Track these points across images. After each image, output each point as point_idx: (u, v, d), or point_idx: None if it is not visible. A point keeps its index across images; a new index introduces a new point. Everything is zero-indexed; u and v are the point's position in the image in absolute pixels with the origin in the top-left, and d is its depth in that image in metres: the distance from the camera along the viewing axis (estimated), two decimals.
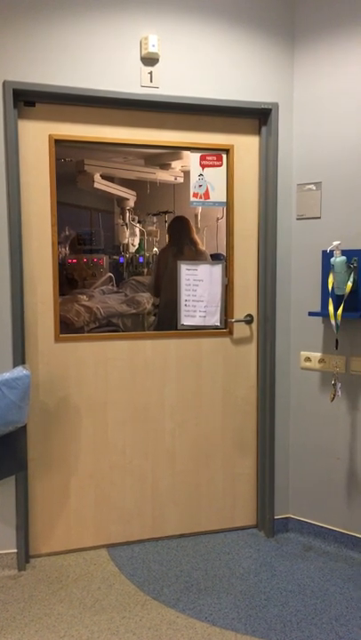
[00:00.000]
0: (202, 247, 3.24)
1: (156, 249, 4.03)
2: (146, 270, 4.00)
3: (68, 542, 2.67)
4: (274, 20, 2.63)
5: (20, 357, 2.44)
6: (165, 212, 3.83)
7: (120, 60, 2.46)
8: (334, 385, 2.51)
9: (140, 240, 4.11)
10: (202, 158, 2.69)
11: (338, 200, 2.59)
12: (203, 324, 2.75)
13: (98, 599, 2.31)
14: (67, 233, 3.93)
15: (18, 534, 2.52)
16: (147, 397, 2.71)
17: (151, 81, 2.50)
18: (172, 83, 2.53)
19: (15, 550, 2.53)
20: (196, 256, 3.19)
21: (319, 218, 2.65)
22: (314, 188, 2.65)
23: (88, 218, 4.14)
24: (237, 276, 2.77)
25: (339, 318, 2.44)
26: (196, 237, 3.25)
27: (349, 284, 2.44)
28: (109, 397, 2.66)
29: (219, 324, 2.76)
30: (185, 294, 2.74)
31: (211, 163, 2.70)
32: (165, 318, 3.11)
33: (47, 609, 2.24)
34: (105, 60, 2.45)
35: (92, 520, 2.69)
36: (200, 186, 2.71)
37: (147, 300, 3.64)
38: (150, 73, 2.50)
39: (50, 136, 2.47)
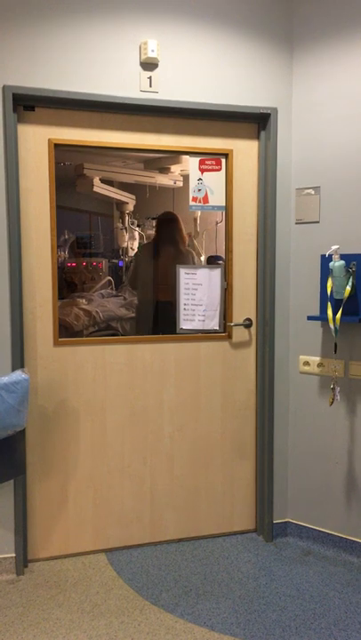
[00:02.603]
0: (186, 247, 3.26)
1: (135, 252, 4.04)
2: (135, 269, 3.99)
3: (67, 547, 2.66)
4: (273, 25, 2.64)
5: (18, 361, 2.44)
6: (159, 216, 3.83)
7: (119, 64, 2.47)
8: (333, 389, 2.51)
9: (140, 244, 4.11)
10: (201, 163, 2.70)
11: (337, 204, 2.59)
12: (202, 327, 2.75)
13: (96, 604, 2.30)
14: (66, 237, 3.94)
15: (16, 539, 2.51)
16: (145, 401, 2.71)
17: (150, 86, 2.51)
18: (171, 87, 2.54)
19: (13, 555, 2.52)
20: (180, 256, 3.20)
21: (318, 222, 2.65)
22: (313, 192, 2.66)
23: (87, 221, 4.15)
24: (236, 279, 2.77)
25: (338, 322, 2.45)
26: (185, 236, 3.27)
27: (348, 288, 2.45)
28: (108, 401, 2.66)
29: (218, 327, 2.77)
30: (184, 298, 2.75)
31: (210, 167, 2.71)
32: (144, 320, 3.12)
33: (45, 614, 2.24)
34: (104, 65, 2.46)
35: (90, 524, 2.68)
36: (199, 190, 2.71)
37: (136, 300, 3.64)
38: (150, 78, 2.51)
39: (49, 140, 2.48)
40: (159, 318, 3.21)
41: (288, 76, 2.68)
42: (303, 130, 2.67)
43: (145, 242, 3.87)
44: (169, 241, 3.24)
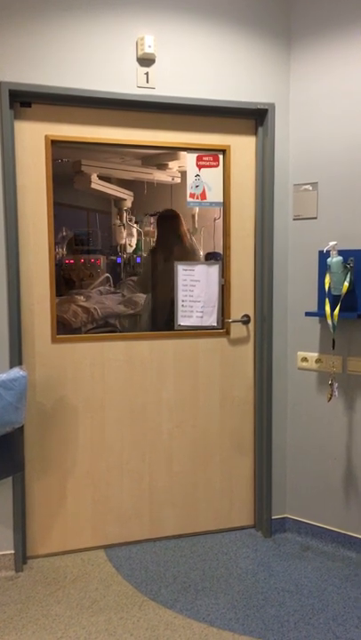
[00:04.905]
0: (190, 241, 3.25)
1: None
2: (143, 270, 4.00)
3: (66, 543, 2.67)
4: (270, 21, 2.63)
5: (16, 358, 2.44)
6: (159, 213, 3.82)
7: (116, 60, 2.46)
8: (331, 385, 2.51)
9: (138, 240, 4.11)
10: (198, 159, 2.69)
11: (334, 200, 2.59)
12: (200, 324, 2.75)
13: (95, 600, 2.31)
14: (64, 233, 3.92)
15: (15, 535, 2.51)
16: (144, 398, 2.71)
17: (147, 81, 2.50)
18: (168, 83, 2.53)
19: (12, 551, 2.53)
20: (186, 251, 3.19)
21: (316, 218, 2.65)
22: (310, 188, 2.65)
23: (85, 218, 4.14)
24: (234, 276, 2.77)
25: (335, 318, 2.45)
26: (187, 232, 3.26)
27: (346, 284, 2.45)
28: (106, 398, 2.66)
29: (216, 324, 2.77)
30: (182, 294, 2.74)
31: (207, 163, 2.70)
32: (160, 318, 3.12)
33: (44, 610, 2.24)
34: (101, 61, 2.45)
35: (89, 521, 2.69)
36: (197, 186, 2.71)
37: (144, 300, 3.64)
38: (147, 73, 2.50)
39: (46, 137, 2.47)
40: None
41: (285, 72, 2.68)
42: (301, 126, 2.66)
43: (152, 244, 3.87)
44: (173, 239, 3.24)
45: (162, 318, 2.86)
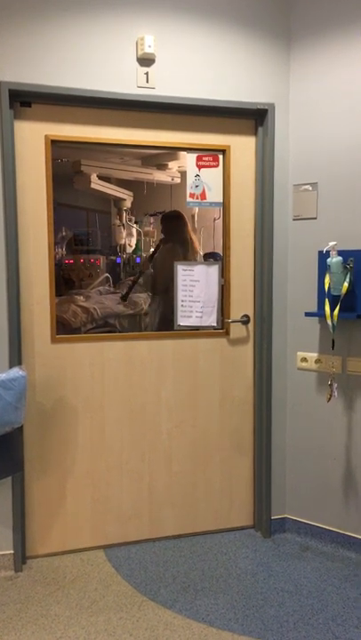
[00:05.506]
0: (198, 248, 3.24)
1: (152, 249, 4.04)
2: (150, 271, 4.00)
3: (65, 543, 2.67)
4: (270, 21, 2.63)
5: (16, 358, 2.44)
6: (162, 213, 3.83)
7: (116, 60, 2.46)
8: (331, 385, 2.51)
9: (137, 240, 4.11)
10: (198, 159, 2.69)
11: (334, 200, 2.59)
12: (199, 324, 2.75)
13: (95, 600, 2.31)
14: (63, 233, 3.92)
15: (14, 535, 2.51)
16: (143, 398, 2.71)
17: (147, 81, 2.50)
18: (168, 83, 2.53)
19: (12, 551, 2.52)
20: (193, 253, 3.19)
21: (315, 218, 2.65)
22: (310, 188, 2.65)
23: (85, 218, 4.14)
24: (234, 276, 2.77)
25: (335, 319, 2.45)
26: (193, 236, 3.24)
27: (346, 284, 2.45)
28: (106, 398, 2.66)
29: (215, 324, 2.76)
30: (181, 295, 2.74)
31: (207, 163, 2.70)
32: (167, 318, 3.12)
33: (44, 610, 2.24)
34: (101, 61, 2.45)
35: (88, 521, 2.69)
36: (197, 186, 2.71)
37: (144, 300, 3.64)
38: (146, 73, 2.50)
39: (46, 136, 2.47)
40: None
41: (285, 72, 2.68)
42: (301, 126, 2.67)
43: (152, 244, 3.85)
44: (181, 241, 3.23)
45: (168, 319, 2.85)
